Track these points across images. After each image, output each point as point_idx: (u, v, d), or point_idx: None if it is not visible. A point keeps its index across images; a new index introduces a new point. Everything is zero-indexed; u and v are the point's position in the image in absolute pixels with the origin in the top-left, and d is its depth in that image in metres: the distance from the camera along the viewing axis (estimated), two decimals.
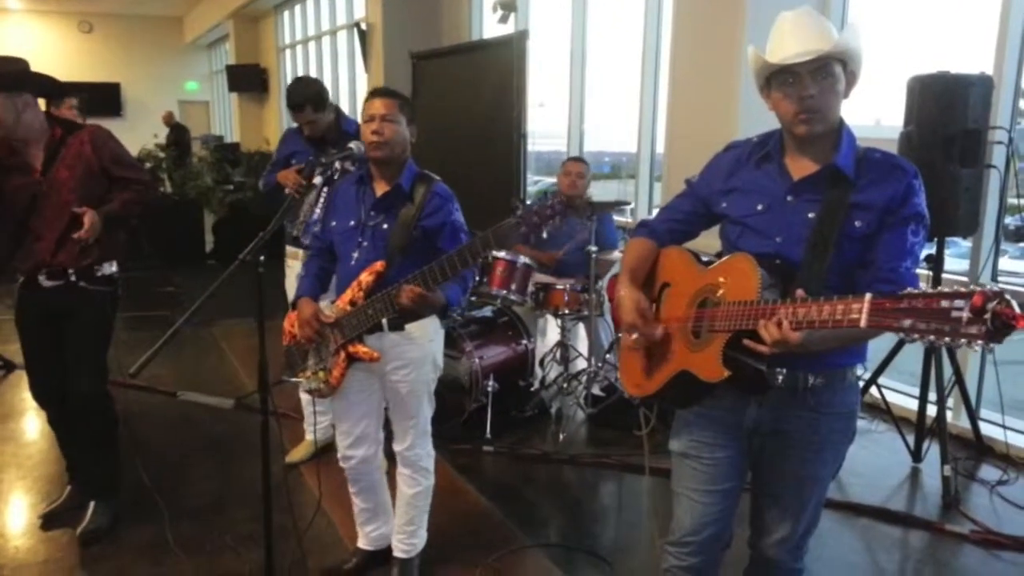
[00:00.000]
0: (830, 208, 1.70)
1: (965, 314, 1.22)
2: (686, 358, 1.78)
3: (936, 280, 3.72)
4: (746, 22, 4.55)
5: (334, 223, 2.60)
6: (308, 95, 3.49)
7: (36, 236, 2.89)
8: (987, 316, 1.20)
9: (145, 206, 3.06)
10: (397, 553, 2.76)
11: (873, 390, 4.06)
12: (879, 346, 3.94)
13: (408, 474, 2.69)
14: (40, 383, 3.07)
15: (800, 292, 1.54)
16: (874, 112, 4.75)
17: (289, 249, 3.67)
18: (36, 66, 2.91)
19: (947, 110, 3.49)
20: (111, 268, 3.01)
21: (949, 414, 3.79)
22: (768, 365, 1.67)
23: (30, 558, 2.96)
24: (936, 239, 3.68)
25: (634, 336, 1.86)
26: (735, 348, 1.66)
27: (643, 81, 5.91)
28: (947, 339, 1.25)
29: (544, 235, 2.17)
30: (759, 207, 1.79)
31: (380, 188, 2.53)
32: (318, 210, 3.37)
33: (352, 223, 2.53)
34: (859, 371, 1.89)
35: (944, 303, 1.25)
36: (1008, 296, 1.20)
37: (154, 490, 3.38)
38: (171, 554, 2.97)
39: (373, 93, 2.51)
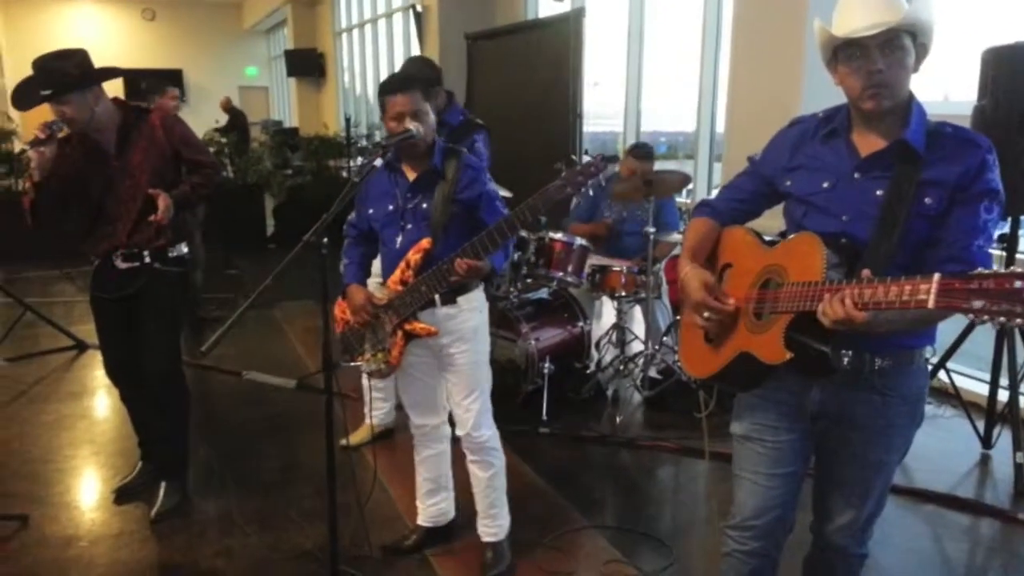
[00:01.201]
0: (899, 185, 1.64)
1: None
2: (747, 340, 1.75)
3: (1010, 260, 3.58)
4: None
5: (371, 211, 2.64)
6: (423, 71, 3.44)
7: (111, 219, 2.98)
8: None
9: (213, 189, 3.14)
10: (486, 538, 2.79)
11: (941, 374, 3.93)
12: (948, 328, 3.81)
13: (479, 459, 2.71)
14: (114, 361, 3.18)
15: (866, 272, 1.50)
16: (942, 87, 4.58)
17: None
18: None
19: (1023, 84, 3.33)
20: (183, 249, 3.11)
21: (1022, 400, 3.65)
22: (833, 347, 1.62)
23: (105, 530, 3.08)
24: (1011, 218, 3.53)
25: (705, 314, 1.82)
26: (798, 330, 1.62)
27: (703, 58, 5.80)
28: (1019, 320, 1.22)
29: (589, 191, 2.20)
30: (825, 184, 1.75)
31: (411, 171, 2.56)
32: None
33: (391, 208, 2.57)
34: (927, 354, 1.83)
35: (1017, 283, 1.23)
36: None
37: (222, 466, 3.47)
38: (238, 528, 3.07)
39: (392, 88, 2.46)
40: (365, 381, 3.81)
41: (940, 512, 3.24)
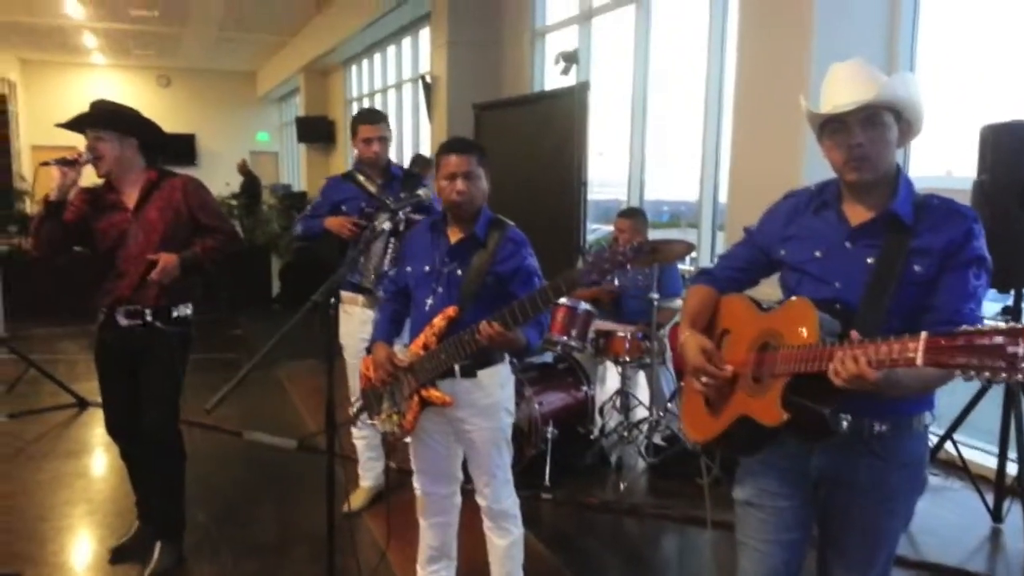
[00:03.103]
0: (889, 253, 1.71)
1: (1022, 350, 1.24)
2: (746, 403, 1.78)
3: None
4: (811, 70, 4.54)
5: (409, 268, 2.64)
6: (383, 115, 3.70)
7: (120, 273, 3.02)
8: None
9: (225, 255, 3.17)
10: None
11: (949, 446, 3.90)
12: (955, 401, 3.81)
13: (497, 526, 2.66)
14: (114, 417, 3.17)
15: (855, 334, 1.54)
16: (945, 162, 4.67)
17: (346, 295, 3.57)
18: None
19: (1021, 158, 3.40)
20: (186, 310, 3.12)
21: None
22: (832, 410, 1.64)
23: None
24: (1014, 291, 3.56)
25: (704, 379, 1.85)
26: (796, 392, 1.65)
27: (705, 128, 5.93)
28: (1003, 375, 1.27)
29: (615, 281, 2.19)
30: (817, 253, 1.81)
31: (454, 235, 2.55)
32: (387, 259, 3.43)
33: (427, 268, 2.56)
34: (927, 420, 1.83)
35: (999, 339, 1.27)
36: None
37: (219, 529, 3.42)
38: None
39: (450, 148, 2.49)
40: (357, 442, 3.79)
41: None
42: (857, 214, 1.78)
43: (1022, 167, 3.39)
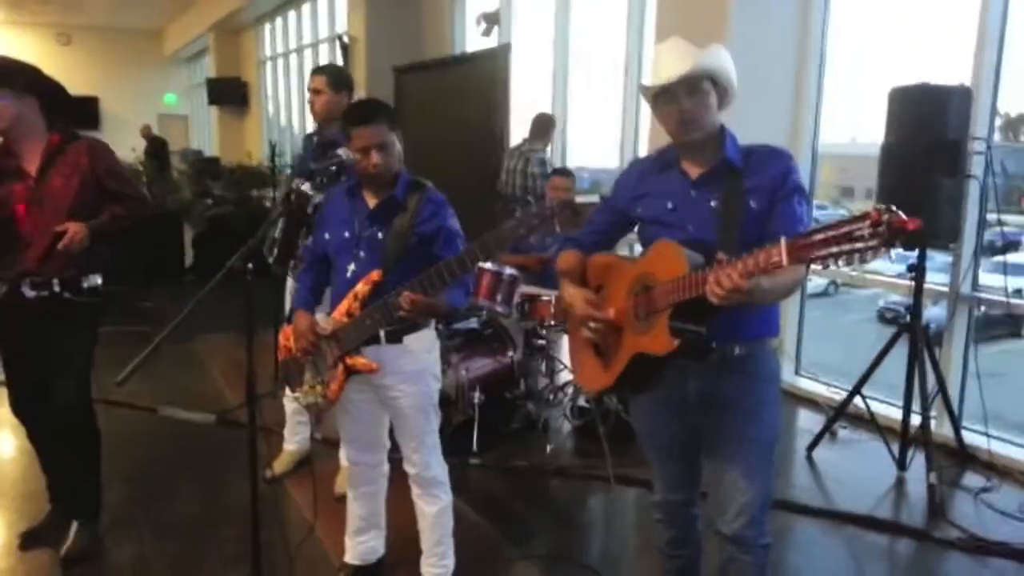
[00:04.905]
0: (729, 194, 1.99)
1: (866, 231, 1.45)
2: (636, 341, 2.00)
3: (919, 290, 3.76)
4: (729, 34, 4.59)
5: (327, 235, 2.58)
6: (330, 68, 3.62)
7: (25, 243, 2.84)
8: (882, 228, 1.43)
9: (136, 222, 3.02)
10: None
11: (858, 401, 4.08)
12: (862, 356, 3.99)
13: (426, 493, 2.65)
14: (21, 397, 3.01)
15: (721, 254, 1.78)
16: (849, 130, 4.84)
17: (294, 263, 3.46)
18: None
19: (927, 121, 3.54)
20: (96, 280, 2.96)
21: (933, 423, 3.81)
22: (707, 330, 1.87)
23: None
24: (918, 249, 3.72)
25: (592, 325, 2.09)
26: (678, 319, 1.87)
27: (625, 95, 5.95)
28: (858, 255, 1.47)
29: (533, 239, 2.20)
30: (669, 205, 2.08)
31: (372, 199, 2.51)
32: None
33: (346, 234, 2.50)
34: (774, 344, 2.17)
35: (846, 227, 1.48)
36: (895, 208, 1.43)
37: (136, 508, 3.31)
38: (155, 574, 2.91)
39: (358, 120, 2.42)
40: (290, 405, 3.72)
41: (860, 533, 3.34)
42: (693, 169, 2.07)
43: (928, 129, 3.53)
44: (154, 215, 8.56)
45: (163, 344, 2.09)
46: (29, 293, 2.85)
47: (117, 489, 3.50)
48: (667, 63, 1.97)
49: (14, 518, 3.34)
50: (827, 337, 7.42)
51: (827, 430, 4.21)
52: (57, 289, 2.86)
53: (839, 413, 4.20)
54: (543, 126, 6.00)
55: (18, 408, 3.04)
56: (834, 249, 1.50)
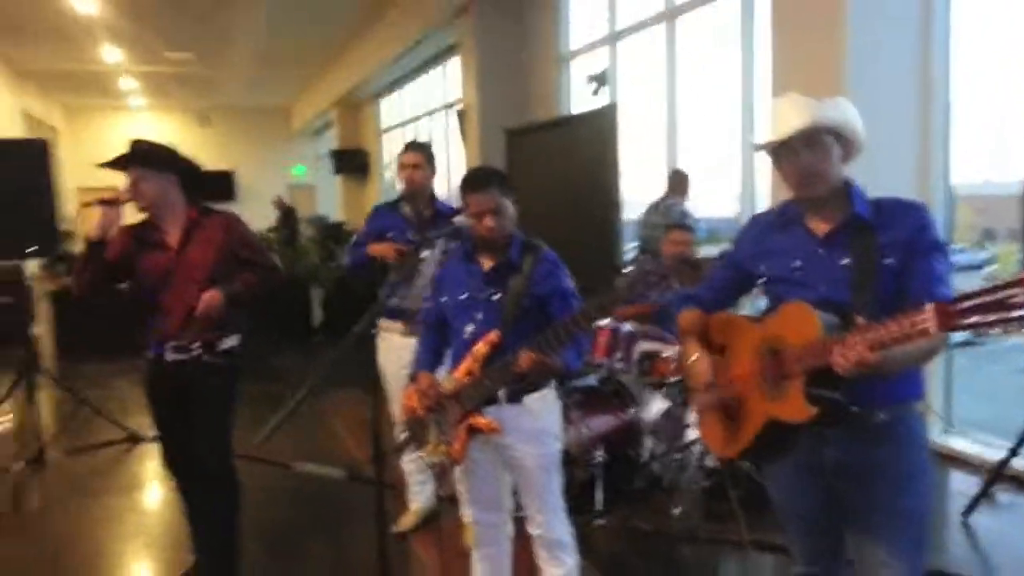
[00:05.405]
0: (861, 252, 1.90)
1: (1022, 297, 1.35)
2: (768, 408, 1.92)
3: None
4: (846, 70, 4.46)
5: (445, 298, 2.64)
6: (427, 146, 3.78)
7: (165, 311, 3.05)
8: None
9: (266, 289, 3.19)
10: None
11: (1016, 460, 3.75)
12: (1014, 412, 3.67)
13: (551, 556, 2.60)
14: (169, 454, 3.18)
15: (860, 320, 1.70)
16: (983, 169, 4.59)
17: (383, 322, 3.54)
18: None
19: None
20: (233, 342, 3.14)
21: None
22: (843, 396, 1.78)
23: None
24: None
25: (718, 393, 2.04)
26: (811, 385, 1.79)
27: (743, 143, 5.86)
28: (1016, 323, 1.38)
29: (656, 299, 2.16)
30: (796, 263, 2.00)
31: (488, 262, 2.55)
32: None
33: (464, 297, 2.56)
34: (920, 408, 2.00)
35: (1002, 292, 1.39)
36: None
37: (271, 562, 3.41)
38: None
39: (470, 188, 2.50)
40: (406, 465, 3.77)
41: None
42: (820, 226, 1.98)
43: None
44: (284, 281, 9.08)
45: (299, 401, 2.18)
46: (171, 356, 3.04)
47: (254, 542, 3.62)
48: (785, 117, 1.93)
49: (161, 567, 3.53)
50: (973, 390, 6.90)
51: (985, 492, 3.86)
52: (197, 352, 3.05)
53: (997, 473, 3.86)
54: (680, 180, 6.49)
55: (168, 464, 3.22)
56: (991, 318, 1.41)
